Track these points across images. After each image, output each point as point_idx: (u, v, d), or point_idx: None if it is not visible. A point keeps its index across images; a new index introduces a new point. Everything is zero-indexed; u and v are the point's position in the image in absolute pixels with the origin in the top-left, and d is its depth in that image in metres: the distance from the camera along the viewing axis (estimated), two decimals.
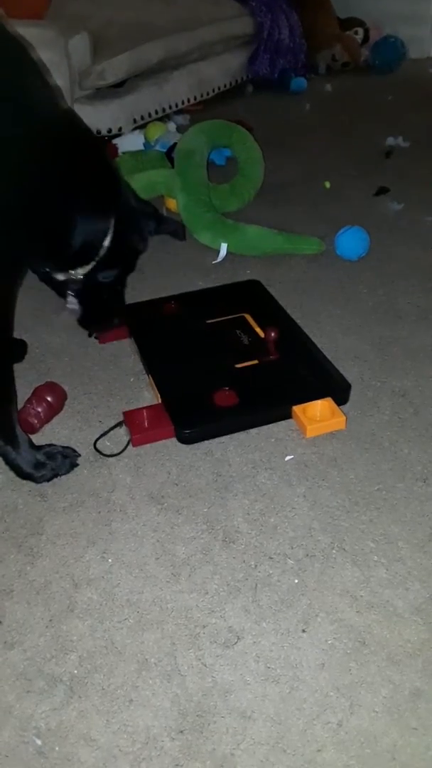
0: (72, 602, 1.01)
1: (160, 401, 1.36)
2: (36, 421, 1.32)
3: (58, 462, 1.23)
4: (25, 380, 1.45)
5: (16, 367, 1.51)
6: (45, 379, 1.42)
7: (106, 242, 1.29)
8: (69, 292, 1.38)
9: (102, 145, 1.39)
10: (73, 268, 1.31)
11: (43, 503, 1.18)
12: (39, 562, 1.08)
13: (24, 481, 1.22)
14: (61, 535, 1.12)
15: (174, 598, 1.01)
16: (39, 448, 1.24)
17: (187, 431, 1.28)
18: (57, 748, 0.85)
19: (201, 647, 0.95)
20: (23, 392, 1.37)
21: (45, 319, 1.66)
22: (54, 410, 1.36)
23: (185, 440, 1.29)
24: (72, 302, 1.40)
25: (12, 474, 1.23)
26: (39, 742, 0.85)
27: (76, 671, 0.93)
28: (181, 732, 0.86)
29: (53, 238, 1.24)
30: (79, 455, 1.26)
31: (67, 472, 1.23)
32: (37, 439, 1.32)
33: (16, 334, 1.53)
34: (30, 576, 1.06)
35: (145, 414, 1.31)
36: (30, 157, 1.08)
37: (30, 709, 0.89)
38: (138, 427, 1.29)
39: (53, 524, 1.14)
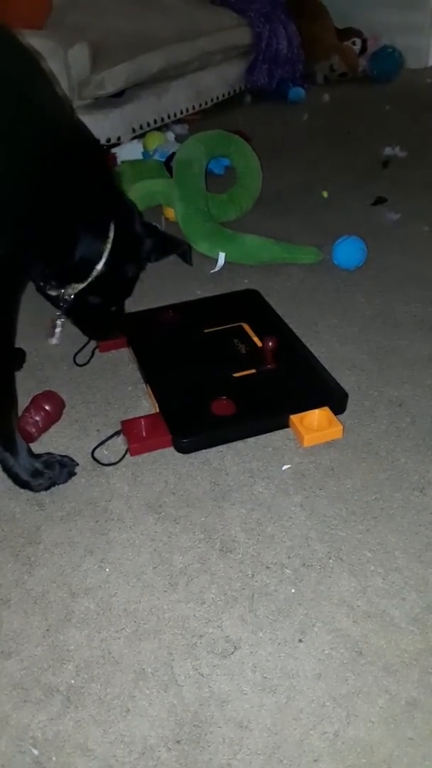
0: (69, 612, 1.02)
1: (157, 410, 1.36)
2: (34, 430, 1.32)
3: (56, 471, 1.23)
4: (24, 389, 1.45)
5: (15, 375, 1.52)
6: (43, 387, 1.42)
7: (99, 266, 1.31)
8: (57, 314, 1.44)
9: (105, 159, 1.39)
10: (68, 283, 1.33)
11: (40, 512, 1.18)
12: (36, 571, 1.08)
13: (22, 490, 1.22)
14: (58, 545, 1.12)
15: (171, 608, 1.02)
16: (37, 456, 1.24)
17: (185, 440, 1.29)
18: (54, 758, 0.85)
19: (198, 657, 0.95)
20: (21, 401, 1.37)
21: (43, 328, 1.66)
22: (52, 419, 1.36)
23: (183, 449, 1.29)
24: (58, 332, 1.53)
25: (10, 483, 1.23)
26: (36, 752, 0.85)
27: (73, 681, 0.93)
28: (178, 742, 0.86)
29: (56, 248, 1.25)
30: (77, 464, 1.27)
31: (65, 481, 1.24)
32: (36, 447, 1.32)
33: (15, 343, 1.53)
34: (27, 585, 1.06)
35: (142, 423, 1.31)
36: (40, 164, 1.10)
37: (27, 719, 0.89)
38: (136, 437, 1.29)
39: (51, 533, 1.14)
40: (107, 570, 1.08)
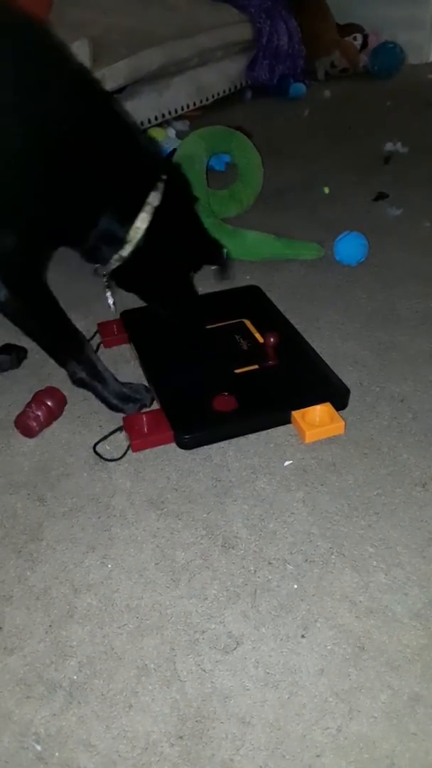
0: (72, 608, 1.02)
1: (159, 406, 1.36)
2: (35, 425, 1.32)
3: (143, 395, 1.37)
4: (26, 385, 1.46)
5: (16, 372, 1.52)
6: (45, 384, 1.42)
7: (124, 253, 1.28)
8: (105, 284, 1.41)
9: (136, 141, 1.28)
10: (94, 263, 1.33)
11: (42, 508, 1.18)
12: (39, 567, 1.08)
13: (23, 487, 1.22)
14: (60, 541, 1.12)
15: (173, 604, 1.02)
16: (124, 384, 1.37)
17: (187, 436, 1.28)
18: (57, 754, 0.85)
19: (200, 653, 0.95)
20: (23, 397, 1.38)
21: None
22: (54, 415, 1.36)
23: (185, 445, 1.29)
24: (109, 297, 1.47)
25: (11, 479, 1.24)
26: (39, 747, 0.85)
27: (75, 677, 0.93)
28: (181, 738, 0.86)
29: (71, 230, 1.26)
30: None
31: (150, 404, 1.37)
32: (37, 443, 1.32)
33: (16, 340, 1.53)
34: (30, 581, 1.06)
35: (144, 419, 1.31)
36: (75, 136, 1.13)
37: (30, 714, 0.89)
38: (137, 433, 1.29)
39: (53, 529, 1.14)
40: (109, 566, 1.08)
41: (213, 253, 1.43)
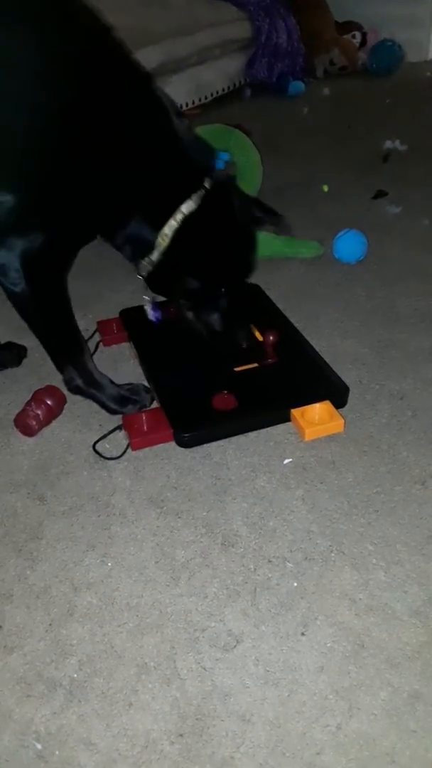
0: (72, 606, 1.02)
1: (159, 405, 1.36)
2: (35, 423, 1.32)
3: (142, 396, 1.37)
4: (25, 384, 1.46)
5: (16, 371, 1.52)
6: (45, 382, 1.42)
7: (153, 256, 1.25)
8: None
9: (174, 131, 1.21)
10: (133, 259, 1.29)
11: (42, 507, 1.18)
12: (39, 566, 1.08)
13: (23, 486, 1.22)
14: (60, 539, 1.12)
15: (173, 602, 1.02)
16: (120, 386, 1.37)
17: (186, 435, 1.28)
18: (57, 752, 0.85)
19: (200, 651, 0.95)
20: (23, 396, 1.38)
21: None
22: (53, 413, 1.36)
23: (184, 444, 1.29)
24: (150, 306, 1.47)
25: (10, 477, 1.24)
26: (39, 746, 0.85)
27: (75, 675, 0.93)
28: (181, 735, 0.86)
29: (99, 227, 1.24)
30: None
31: (150, 404, 1.37)
32: (36, 441, 1.32)
33: (16, 339, 1.53)
34: (30, 580, 1.06)
35: (144, 418, 1.31)
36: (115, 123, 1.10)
37: (30, 713, 0.89)
38: (137, 431, 1.29)
39: (53, 528, 1.14)
40: (109, 564, 1.08)
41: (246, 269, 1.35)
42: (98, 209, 1.19)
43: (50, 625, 0.99)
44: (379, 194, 2.36)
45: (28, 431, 1.32)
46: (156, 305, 1.49)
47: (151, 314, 1.50)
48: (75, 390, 1.35)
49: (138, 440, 1.28)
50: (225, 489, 1.20)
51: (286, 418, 1.33)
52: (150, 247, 1.24)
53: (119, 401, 1.36)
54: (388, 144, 2.81)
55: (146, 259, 1.26)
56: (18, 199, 1.10)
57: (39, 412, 1.33)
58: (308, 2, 3.86)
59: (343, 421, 1.31)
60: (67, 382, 1.34)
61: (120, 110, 1.12)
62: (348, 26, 4.10)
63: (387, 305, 1.73)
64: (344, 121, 3.23)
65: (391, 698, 0.88)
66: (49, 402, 1.34)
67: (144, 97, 1.17)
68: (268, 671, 0.92)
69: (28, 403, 1.34)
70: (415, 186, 2.43)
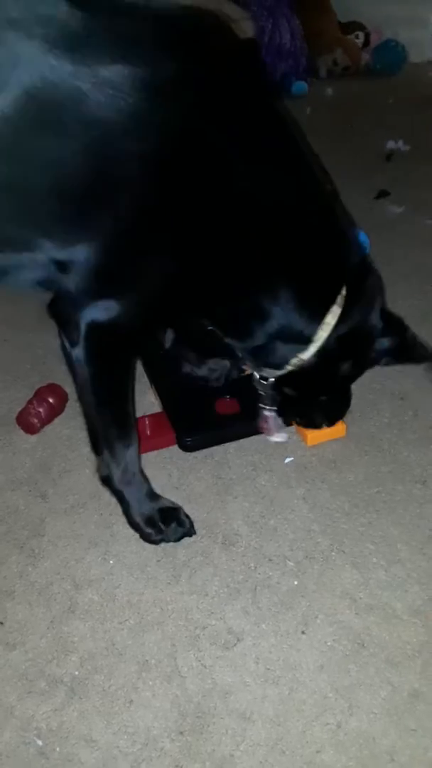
0: (73, 603, 1.02)
1: (162, 409, 1.36)
2: (36, 421, 1.33)
3: (171, 529, 1.09)
4: (27, 382, 1.46)
5: (17, 368, 1.52)
6: (47, 380, 1.42)
7: (304, 355, 1.01)
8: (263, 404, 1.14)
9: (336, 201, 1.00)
10: (260, 364, 1.07)
11: (44, 504, 1.19)
12: (40, 563, 1.08)
13: (25, 483, 1.22)
14: (62, 537, 1.12)
15: (174, 600, 1.02)
16: (158, 498, 1.10)
17: (189, 439, 1.28)
18: (58, 749, 0.85)
19: (201, 648, 0.95)
20: (25, 393, 1.38)
21: (48, 320, 1.66)
22: (55, 411, 1.36)
23: (187, 448, 1.28)
24: (275, 424, 1.17)
25: (12, 475, 1.24)
26: (40, 742, 0.86)
27: (77, 672, 0.93)
28: (181, 733, 0.86)
29: (228, 320, 1.00)
30: (195, 532, 1.11)
31: (176, 541, 1.10)
32: (39, 439, 1.32)
33: (17, 336, 1.53)
34: (31, 577, 1.06)
35: (147, 422, 1.31)
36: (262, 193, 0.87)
37: (31, 709, 0.89)
38: (140, 435, 1.29)
39: (55, 526, 1.15)
40: (111, 562, 1.08)
41: (420, 351, 1.14)
42: (225, 290, 0.95)
43: (52, 622, 1.00)
44: (382, 194, 2.36)
45: (31, 429, 1.33)
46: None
47: (279, 434, 1.23)
48: (104, 481, 1.11)
49: (141, 444, 1.28)
50: (226, 488, 1.20)
51: (289, 423, 1.32)
52: (306, 341, 1.00)
53: (147, 521, 1.09)
54: (390, 144, 2.81)
55: (295, 358, 1.02)
56: (101, 257, 0.86)
57: (41, 409, 1.33)
58: (311, 2, 3.86)
59: (345, 425, 1.30)
60: (99, 469, 1.11)
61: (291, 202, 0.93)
62: (351, 26, 4.10)
63: (389, 304, 1.72)
64: (347, 121, 3.23)
65: (391, 697, 0.89)
66: (51, 400, 1.34)
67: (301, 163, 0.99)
68: (269, 669, 0.92)
69: (30, 401, 1.34)
70: (417, 186, 2.43)
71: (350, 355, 1.06)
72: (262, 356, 1.03)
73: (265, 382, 1.11)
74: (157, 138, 0.80)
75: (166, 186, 0.83)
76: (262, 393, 1.13)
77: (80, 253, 0.85)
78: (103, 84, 0.74)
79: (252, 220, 0.88)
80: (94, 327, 0.92)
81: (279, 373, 1.06)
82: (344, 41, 3.96)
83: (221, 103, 0.84)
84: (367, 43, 4.10)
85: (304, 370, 1.03)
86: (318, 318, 0.98)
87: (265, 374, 1.09)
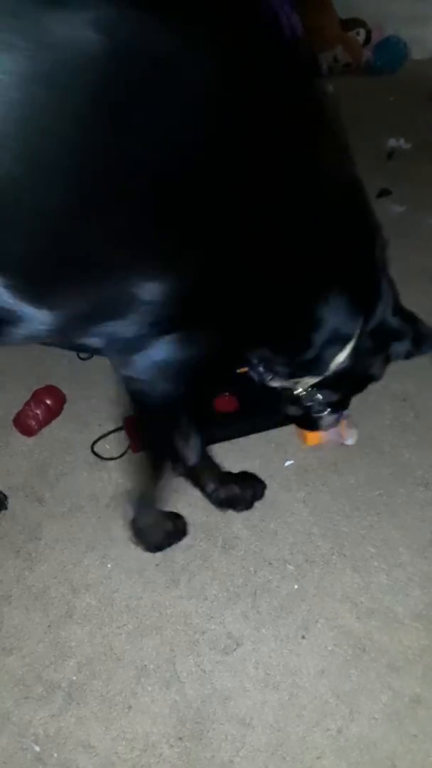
0: (71, 608, 1.01)
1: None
2: (34, 423, 1.32)
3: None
4: (25, 383, 1.45)
5: (15, 369, 1.51)
6: (44, 382, 1.41)
7: (341, 357, 0.97)
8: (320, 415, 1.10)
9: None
10: (300, 375, 1.02)
11: (41, 508, 1.18)
12: (37, 567, 1.07)
13: (21, 488, 1.21)
14: (59, 540, 1.12)
15: (173, 604, 1.01)
16: (175, 520, 1.12)
17: None
18: (55, 755, 0.84)
19: (200, 653, 0.94)
20: (22, 395, 1.37)
21: None
22: (53, 413, 1.35)
23: None
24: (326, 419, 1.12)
25: (9, 480, 1.23)
26: (37, 748, 0.85)
27: (74, 677, 0.92)
28: (180, 739, 0.85)
29: (283, 333, 0.95)
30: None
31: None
32: (36, 441, 1.31)
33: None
34: (28, 581, 1.05)
35: None
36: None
37: (28, 715, 0.88)
38: (138, 434, 1.28)
39: (51, 529, 1.14)
40: (109, 566, 1.07)
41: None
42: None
43: (49, 626, 0.99)
44: (383, 193, 2.34)
45: (28, 431, 1.32)
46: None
47: (351, 435, 1.24)
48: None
49: (139, 444, 1.27)
50: None
51: (288, 421, 1.32)
52: (345, 341, 0.97)
53: (155, 536, 1.10)
54: (392, 142, 2.79)
55: (336, 360, 0.98)
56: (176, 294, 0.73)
57: (38, 411, 1.32)
58: None
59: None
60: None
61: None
62: (352, 23, 4.07)
63: None
64: (347, 118, 3.20)
65: (392, 702, 0.88)
66: (48, 402, 1.33)
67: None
68: (269, 674, 0.92)
69: (28, 403, 1.33)
70: (419, 185, 2.41)
71: (379, 350, 1.04)
72: (312, 366, 0.99)
73: (305, 392, 1.06)
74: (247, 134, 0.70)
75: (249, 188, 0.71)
76: (310, 404, 1.08)
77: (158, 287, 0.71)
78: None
79: (311, 223, 0.80)
80: (162, 366, 0.84)
81: (317, 380, 1.02)
82: (345, 38, 3.94)
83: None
84: (368, 40, 4.08)
85: (338, 371, 1.00)
86: (358, 317, 0.95)
87: (302, 384, 1.04)
